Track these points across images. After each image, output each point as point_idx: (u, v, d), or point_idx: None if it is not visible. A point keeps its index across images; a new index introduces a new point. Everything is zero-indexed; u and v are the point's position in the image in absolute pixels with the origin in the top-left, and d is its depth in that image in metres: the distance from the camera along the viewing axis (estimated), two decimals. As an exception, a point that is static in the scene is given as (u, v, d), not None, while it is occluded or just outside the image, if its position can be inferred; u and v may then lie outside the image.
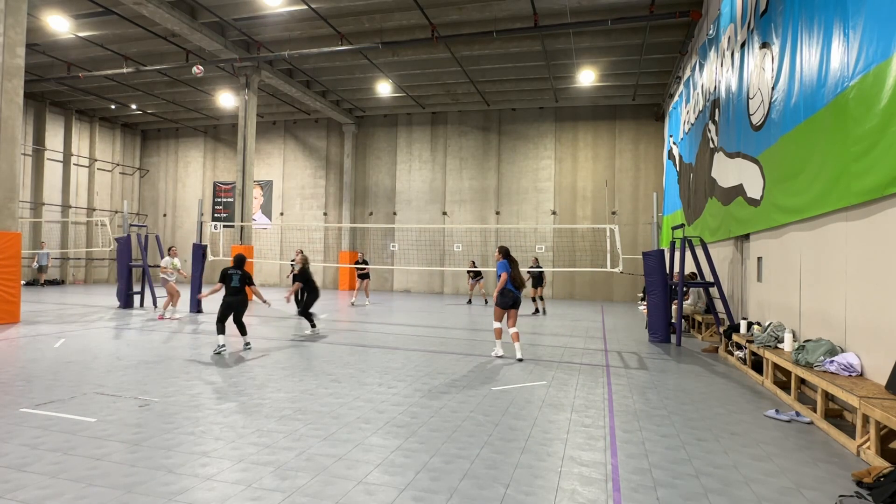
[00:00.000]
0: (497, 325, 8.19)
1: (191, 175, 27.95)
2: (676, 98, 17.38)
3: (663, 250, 10.87)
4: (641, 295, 18.13)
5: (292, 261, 13.60)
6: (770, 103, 7.49)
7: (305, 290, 10.51)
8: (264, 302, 8.82)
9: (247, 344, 8.42)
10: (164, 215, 28.25)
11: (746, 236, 9.26)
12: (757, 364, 7.30)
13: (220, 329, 8.01)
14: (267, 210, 26.49)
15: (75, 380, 6.12)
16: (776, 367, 6.54)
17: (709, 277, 10.65)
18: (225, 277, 8.24)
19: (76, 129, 25.36)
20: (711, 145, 11.36)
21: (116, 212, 26.74)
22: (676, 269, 10.76)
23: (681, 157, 15.92)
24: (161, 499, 3.22)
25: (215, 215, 26.93)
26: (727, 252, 10.78)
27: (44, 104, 23.76)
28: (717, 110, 10.99)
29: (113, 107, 24.58)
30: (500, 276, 7.96)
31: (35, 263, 22.45)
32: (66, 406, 5.07)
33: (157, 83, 21.43)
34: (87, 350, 8.00)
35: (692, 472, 3.81)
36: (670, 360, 8.29)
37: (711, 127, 11.46)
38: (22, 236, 11.77)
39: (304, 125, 26.15)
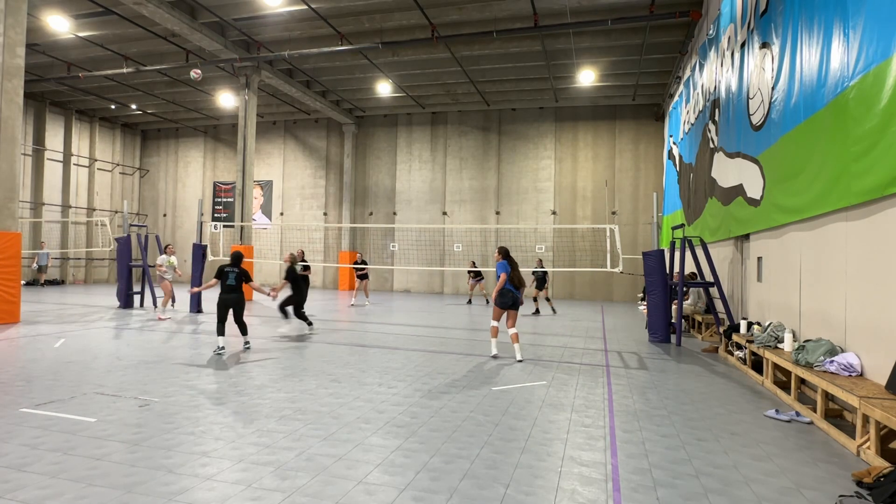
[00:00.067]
0: (494, 324, 8.16)
1: (191, 175, 27.96)
2: (676, 98, 17.38)
3: (663, 250, 10.87)
4: (641, 295, 18.14)
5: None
6: (770, 103, 7.49)
7: (292, 289, 10.56)
8: (268, 294, 8.78)
9: (246, 344, 8.40)
10: (164, 215, 28.25)
11: (746, 236, 9.27)
12: (757, 364, 7.30)
13: (221, 330, 7.98)
14: (267, 210, 26.49)
15: (75, 380, 6.12)
16: (776, 367, 6.54)
17: (709, 277, 10.65)
18: (221, 275, 8.14)
19: (76, 129, 25.37)
20: (711, 145, 11.37)
21: (116, 212, 26.75)
22: (676, 269, 10.76)
23: (681, 157, 15.92)
24: (161, 499, 3.22)
25: (215, 215, 26.94)
26: (727, 252, 10.78)
27: (44, 104, 23.76)
28: (717, 110, 11.00)
29: (113, 107, 24.59)
30: (499, 276, 7.95)
31: (35, 263, 22.46)
32: (66, 406, 5.07)
33: (157, 83, 21.44)
34: (87, 350, 8.00)
35: (692, 472, 3.81)
36: (670, 360, 8.29)
37: (711, 127, 11.47)
38: (22, 236, 11.77)
39: (304, 125, 26.16)
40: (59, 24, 15.56)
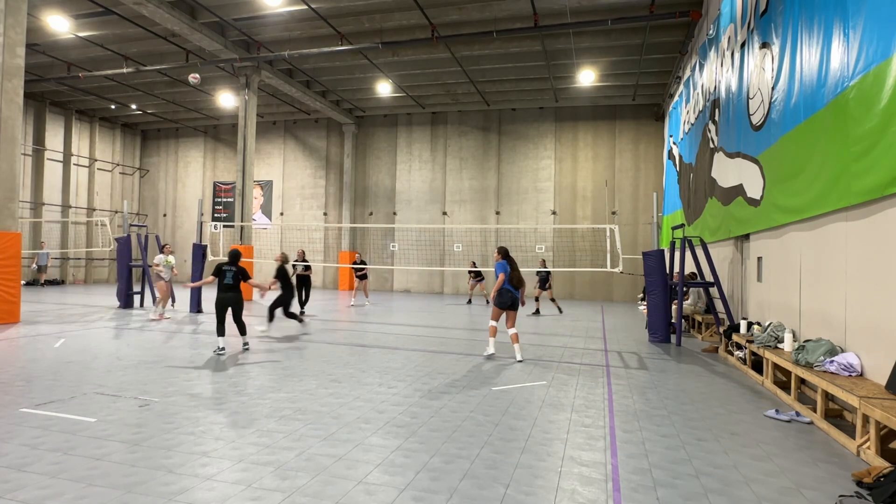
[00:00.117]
0: (493, 323, 8.16)
1: (191, 175, 27.96)
2: (676, 98, 17.38)
3: (663, 250, 10.87)
4: (641, 295, 18.14)
5: (294, 261, 13.62)
6: (770, 103, 7.49)
7: (282, 289, 10.55)
8: (268, 289, 8.76)
9: (245, 344, 8.37)
10: (164, 215, 28.25)
11: (746, 236, 9.27)
12: (757, 364, 7.30)
13: (220, 331, 7.96)
14: (267, 210, 26.49)
15: (75, 380, 6.12)
16: (776, 367, 6.54)
17: (709, 277, 10.65)
18: (219, 273, 8.05)
19: (76, 129, 25.37)
20: (711, 145, 11.37)
21: (116, 212, 26.75)
22: (676, 269, 10.76)
23: (681, 157, 15.92)
24: (161, 499, 3.22)
25: (215, 215, 26.94)
26: (727, 252, 10.78)
27: (44, 104, 23.76)
28: (717, 110, 11.00)
29: (113, 107, 24.59)
30: (498, 276, 7.94)
31: (35, 263, 22.45)
32: (66, 406, 5.07)
33: (157, 83, 21.44)
34: (87, 350, 8.00)
35: (692, 472, 3.81)
36: (670, 360, 8.29)
37: (711, 127, 11.47)
38: (22, 236, 11.77)
39: (304, 125, 26.16)
40: (59, 24, 15.56)
